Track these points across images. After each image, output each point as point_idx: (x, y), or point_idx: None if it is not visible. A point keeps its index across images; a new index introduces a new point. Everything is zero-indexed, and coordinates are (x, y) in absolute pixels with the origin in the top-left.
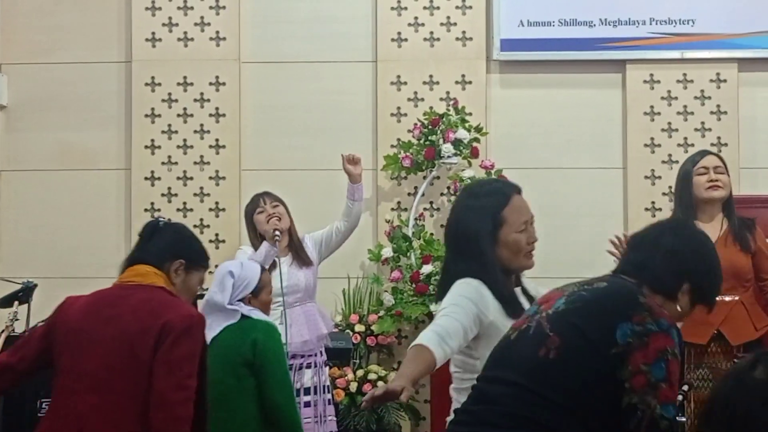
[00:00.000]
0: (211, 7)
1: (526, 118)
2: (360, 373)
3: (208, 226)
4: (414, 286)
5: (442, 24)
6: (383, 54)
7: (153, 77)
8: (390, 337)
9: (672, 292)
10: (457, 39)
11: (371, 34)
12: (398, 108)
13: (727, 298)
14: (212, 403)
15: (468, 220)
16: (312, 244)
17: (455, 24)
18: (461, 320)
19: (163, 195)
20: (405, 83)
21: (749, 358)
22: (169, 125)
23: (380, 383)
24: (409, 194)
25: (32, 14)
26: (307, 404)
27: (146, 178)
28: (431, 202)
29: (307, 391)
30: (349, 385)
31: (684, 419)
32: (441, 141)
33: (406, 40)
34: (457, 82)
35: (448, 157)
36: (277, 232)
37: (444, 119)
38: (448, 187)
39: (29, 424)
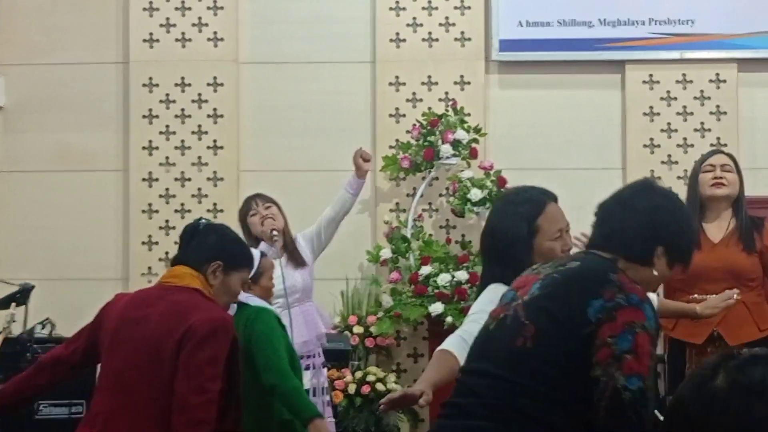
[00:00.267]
0: (208, 8)
1: (525, 118)
2: (359, 374)
3: None
4: (413, 287)
5: (440, 24)
6: (382, 54)
7: (151, 78)
8: (389, 339)
9: (646, 259)
10: (456, 39)
11: (370, 35)
12: (397, 109)
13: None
14: None
15: (504, 227)
16: (305, 243)
17: (454, 24)
18: None
19: (161, 196)
20: (404, 84)
21: (711, 363)
22: (167, 126)
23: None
24: (407, 195)
25: (30, 15)
26: None
27: (144, 179)
28: (430, 203)
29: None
30: (347, 387)
31: None
32: (440, 142)
33: (404, 40)
34: (455, 83)
35: (447, 157)
36: (275, 232)
37: (443, 120)
38: (447, 188)
39: (27, 425)
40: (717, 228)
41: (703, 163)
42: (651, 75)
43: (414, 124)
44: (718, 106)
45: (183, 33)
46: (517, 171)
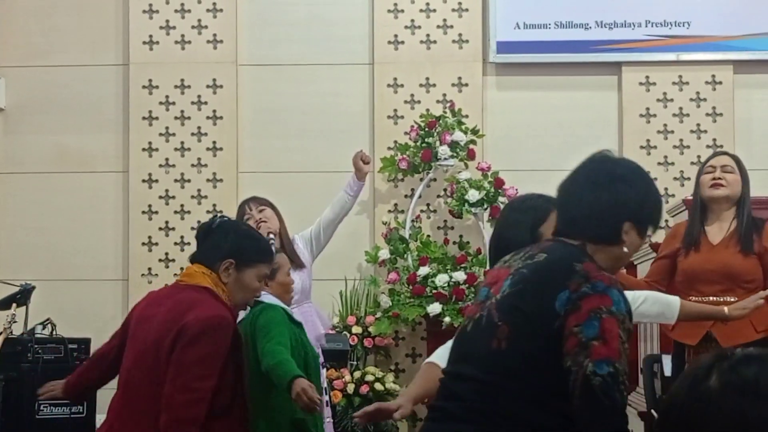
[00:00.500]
0: (208, 10)
1: (522, 120)
2: (357, 374)
3: None
4: (411, 287)
5: (438, 26)
6: (380, 57)
7: (150, 80)
8: (387, 339)
9: (614, 238)
10: (454, 41)
11: (368, 37)
12: (395, 110)
13: (720, 300)
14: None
15: (507, 235)
16: (303, 244)
17: (451, 26)
18: None
19: (160, 197)
20: (401, 86)
21: (705, 363)
22: (167, 128)
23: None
24: (405, 196)
25: (30, 17)
26: None
27: (144, 181)
28: (428, 204)
29: None
30: (346, 387)
31: None
32: (437, 143)
33: (402, 42)
34: (453, 85)
35: (445, 159)
36: (271, 235)
37: (440, 121)
38: (445, 189)
39: (28, 426)
40: (718, 229)
41: (706, 164)
42: (647, 77)
43: (412, 126)
44: (714, 108)
45: (182, 35)
46: (514, 172)
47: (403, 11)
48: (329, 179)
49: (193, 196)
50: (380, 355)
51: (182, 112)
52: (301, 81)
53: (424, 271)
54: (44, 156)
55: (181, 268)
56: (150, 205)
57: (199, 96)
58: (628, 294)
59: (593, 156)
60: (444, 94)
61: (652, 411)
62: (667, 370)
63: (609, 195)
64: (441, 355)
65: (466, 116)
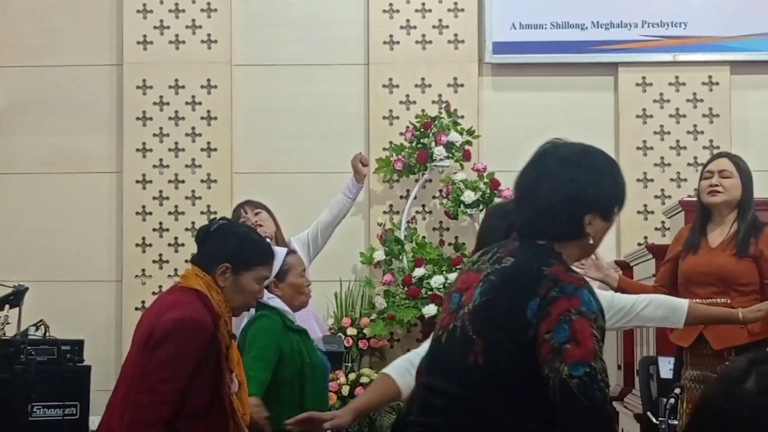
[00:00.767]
0: (202, 10)
1: (518, 120)
2: (352, 376)
3: None
4: (406, 289)
5: (434, 27)
6: (375, 57)
7: (144, 80)
8: (382, 341)
9: (579, 233)
10: (449, 42)
11: (363, 37)
12: (390, 111)
13: (715, 302)
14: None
15: (489, 240)
16: (300, 247)
17: (447, 27)
18: None
19: (154, 198)
20: (397, 86)
21: (741, 365)
22: (161, 128)
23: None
24: (401, 197)
25: (24, 17)
26: None
27: (138, 182)
28: (423, 205)
29: None
30: (341, 389)
31: (676, 422)
32: (433, 144)
33: (398, 43)
34: (449, 85)
35: (440, 159)
36: (267, 239)
37: (436, 122)
38: (441, 190)
39: (21, 427)
40: (719, 233)
41: (705, 168)
42: (644, 77)
43: (407, 127)
44: (710, 109)
45: (177, 35)
46: (510, 173)
47: (398, 11)
48: (324, 180)
49: (187, 197)
50: (375, 357)
51: (176, 112)
52: (296, 81)
53: (419, 272)
54: (38, 156)
55: (176, 270)
56: (144, 206)
57: (193, 96)
58: (632, 298)
59: (542, 150)
60: (439, 95)
61: (648, 413)
62: (663, 372)
63: (565, 190)
64: (398, 366)
65: (462, 117)
